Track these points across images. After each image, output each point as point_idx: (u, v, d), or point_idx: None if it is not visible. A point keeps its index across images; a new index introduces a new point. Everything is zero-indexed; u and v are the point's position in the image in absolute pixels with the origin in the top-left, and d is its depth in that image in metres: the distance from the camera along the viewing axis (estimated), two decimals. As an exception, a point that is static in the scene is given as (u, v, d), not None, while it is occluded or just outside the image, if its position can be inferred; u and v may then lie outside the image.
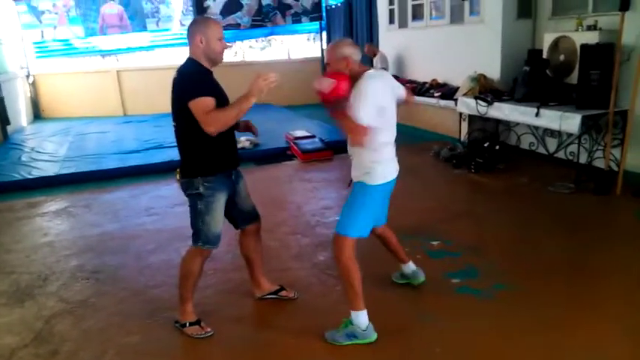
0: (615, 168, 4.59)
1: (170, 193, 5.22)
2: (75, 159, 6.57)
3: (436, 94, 6.82)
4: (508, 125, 5.91)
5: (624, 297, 2.89)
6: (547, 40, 5.29)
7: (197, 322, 2.72)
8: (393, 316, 2.77)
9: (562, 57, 5.11)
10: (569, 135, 4.91)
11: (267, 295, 3.02)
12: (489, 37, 6.08)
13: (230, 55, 12.81)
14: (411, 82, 7.86)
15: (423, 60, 7.81)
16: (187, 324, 2.70)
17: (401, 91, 2.70)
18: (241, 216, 2.84)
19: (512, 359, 2.39)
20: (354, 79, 2.42)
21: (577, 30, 4.97)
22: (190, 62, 2.50)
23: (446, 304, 2.88)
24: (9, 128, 8.33)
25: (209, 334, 2.68)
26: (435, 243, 3.66)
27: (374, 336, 2.54)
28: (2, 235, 4.32)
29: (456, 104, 6.12)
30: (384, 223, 2.93)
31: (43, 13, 10.44)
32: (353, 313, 2.53)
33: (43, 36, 10.97)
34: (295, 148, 6.43)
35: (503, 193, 4.76)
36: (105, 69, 11.06)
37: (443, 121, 6.88)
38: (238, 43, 11.55)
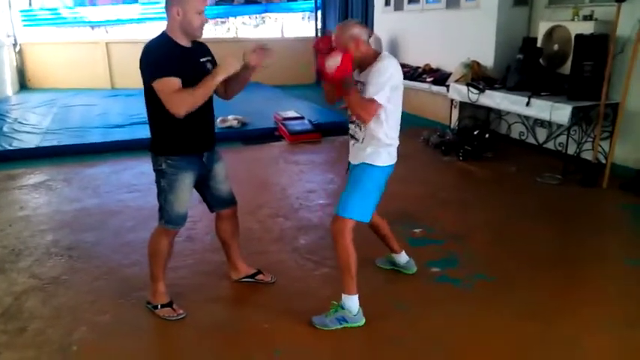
0: (603, 160, 4.55)
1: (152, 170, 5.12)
2: (58, 131, 6.43)
3: (428, 80, 6.74)
4: (499, 114, 5.85)
5: (605, 289, 2.89)
6: (542, 28, 5.21)
7: (169, 304, 2.66)
8: (370, 303, 2.72)
9: (556, 46, 5.04)
10: (559, 126, 4.86)
11: (244, 278, 2.97)
12: (485, 23, 5.98)
13: (223, 32, 12.58)
14: (404, 66, 7.75)
15: (417, 44, 7.70)
16: (159, 306, 2.64)
17: None
18: (215, 200, 2.75)
19: (486, 350, 2.36)
20: (365, 59, 2.40)
21: (573, 19, 4.89)
22: (161, 37, 2.34)
23: (424, 293, 2.85)
24: (-7, 98, 8.14)
25: (181, 316, 2.62)
26: (417, 230, 3.62)
27: (363, 320, 2.53)
28: (-22, 207, 4.22)
29: (447, 90, 6.04)
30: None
31: (30, -21, 10.16)
32: (345, 297, 2.52)
33: (30, 4, 10.68)
34: (283, 128, 6.33)
35: (490, 182, 4.72)
36: (94, 40, 10.81)
37: (434, 107, 6.81)
38: (231, 19, 11.32)
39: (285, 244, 3.47)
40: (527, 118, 5.39)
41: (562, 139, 4.90)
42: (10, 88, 9.65)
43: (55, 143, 5.87)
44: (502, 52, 5.82)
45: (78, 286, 2.96)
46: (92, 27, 11.01)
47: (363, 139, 2.52)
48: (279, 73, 10.53)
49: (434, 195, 4.36)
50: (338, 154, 5.85)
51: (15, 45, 10.20)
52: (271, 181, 4.83)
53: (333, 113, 7.48)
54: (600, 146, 4.60)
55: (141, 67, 2.31)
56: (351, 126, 2.60)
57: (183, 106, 2.23)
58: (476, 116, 5.93)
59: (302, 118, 6.65)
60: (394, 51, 8.34)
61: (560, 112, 4.45)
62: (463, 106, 5.89)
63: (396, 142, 2.58)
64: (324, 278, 3.03)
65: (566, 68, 4.82)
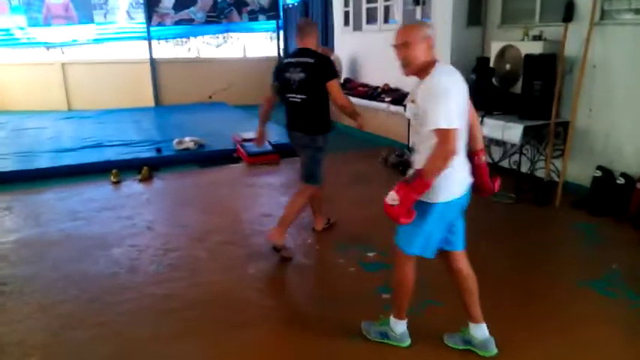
0: (556, 178, 4.60)
1: (101, 195, 4.93)
2: (5, 156, 6.15)
3: (387, 99, 6.74)
4: (456, 133, 5.88)
5: (557, 313, 2.84)
6: (494, 48, 5.28)
7: None
8: (322, 335, 2.62)
9: (508, 66, 5.10)
10: (513, 144, 4.89)
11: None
12: (439, 43, 5.98)
13: (184, 52, 12.45)
14: (364, 85, 7.78)
15: (376, 64, 7.73)
16: None
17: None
18: None
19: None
20: (426, 67, 2.12)
21: (523, 39, 4.97)
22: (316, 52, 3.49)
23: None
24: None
25: None
26: (371, 254, 3.54)
27: (407, 342, 2.50)
28: None
29: (404, 110, 6.04)
30: (461, 249, 2.43)
31: (-19, 0, 9.83)
32: (392, 319, 2.49)
33: (-18, 25, 10.32)
34: (242, 150, 6.21)
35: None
36: (49, 61, 10.52)
37: (393, 127, 6.81)
38: (192, 39, 11.22)
39: (232, 273, 3.33)
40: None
41: (516, 157, 4.93)
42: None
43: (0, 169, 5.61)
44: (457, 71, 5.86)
45: (5, 325, 2.75)
46: (47, 48, 10.70)
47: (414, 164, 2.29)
48: (241, 93, 10.48)
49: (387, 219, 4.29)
50: (296, 177, 5.75)
51: (-34, 66, 9.83)
52: (225, 205, 4.69)
53: (294, 133, 7.42)
54: (553, 164, 4.64)
55: (317, 69, 3.36)
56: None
57: (345, 99, 3.57)
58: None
59: (261, 139, 6.53)
60: (355, 71, 8.38)
61: (512, 132, 4.48)
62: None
63: (458, 171, 2.20)
64: (270, 309, 2.90)
65: (518, 87, 4.88)
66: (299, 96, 3.49)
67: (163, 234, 3.95)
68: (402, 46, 2.11)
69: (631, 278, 3.11)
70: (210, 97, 10.35)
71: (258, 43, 12.24)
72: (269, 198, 4.92)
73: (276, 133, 7.19)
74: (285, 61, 3.64)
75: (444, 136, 1.99)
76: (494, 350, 2.41)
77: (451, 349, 2.48)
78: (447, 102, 2.01)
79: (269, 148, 6.25)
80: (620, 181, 4.09)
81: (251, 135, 6.68)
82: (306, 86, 3.43)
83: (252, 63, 11.14)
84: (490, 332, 2.46)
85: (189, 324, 2.74)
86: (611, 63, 4.21)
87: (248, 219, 4.30)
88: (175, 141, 6.29)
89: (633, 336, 2.58)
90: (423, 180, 2.00)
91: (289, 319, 2.80)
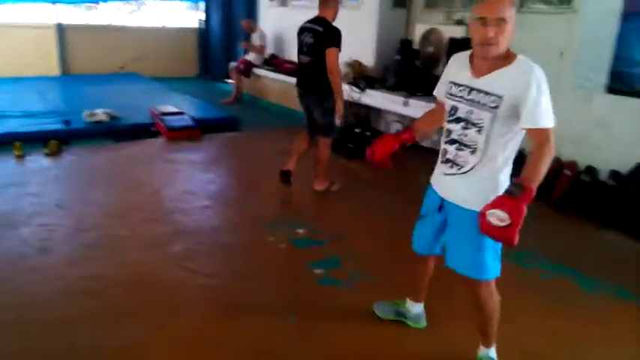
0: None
1: (4, 170, 4.46)
2: None
3: (312, 77, 6.70)
4: (379, 112, 5.99)
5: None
6: (418, 31, 5.41)
7: None
8: (252, 313, 2.57)
9: (431, 48, 5.25)
10: (435, 125, 5.07)
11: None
12: (366, 23, 6.08)
13: (94, 17, 11.53)
14: (289, 62, 7.67)
15: (301, 41, 7.64)
16: None
17: None
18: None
19: (364, 351, 2.31)
20: (505, 51, 1.79)
21: (446, 23, 5.13)
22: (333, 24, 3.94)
23: (307, 298, 2.75)
24: None
25: None
26: (301, 231, 3.52)
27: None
28: None
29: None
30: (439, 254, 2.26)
31: None
32: (486, 350, 2.19)
33: None
34: (161, 124, 5.90)
35: (372, 180, 4.79)
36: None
37: (318, 105, 6.80)
38: (102, 4, 10.39)
39: (158, 251, 3.16)
40: (404, 116, 5.57)
41: (437, 137, 5.13)
42: None
43: None
44: (382, 52, 5.96)
45: None
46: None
47: (473, 167, 1.90)
48: (156, 64, 9.94)
49: (317, 194, 4.30)
50: (219, 153, 5.60)
51: None
52: (144, 181, 4.43)
53: (216, 109, 7.19)
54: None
55: (323, 36, 3.83)
56: (449, 147, 1.96)
57: (336, 68, 3.88)
58: (358, 114, 6.01)
59: (182, 113, 6.25)
60: (281, 47, 8.24)
61: (435, 112, 4.64)
62: (347, 104, 5.92)
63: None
64: (200, 288, 2.79)
65: (440, 70, 5.04)
66: (307, 58, 3.99)
67: (76, 212, 3.65)
68: (501, 21, 1.72)
69: (545, 252, 3.34)
70: (122, 67, 9.70)
71: (177, 13, 11.62)
72: (190, 174, 4.73)
73: (198, 108, 6.94)
74: (302, 25, 4.08)
75: (549, 136, 1.75)
76: (424, 323, 2.50)
77: (382, 322, 2.53)
78: (549, 96, 1.78)
79: (190, 122, 5.99)
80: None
81: (170, 108, 6.39)
82: (313, 50, 3.90)
83: (168, 33, 10.56)
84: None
85: (112, 306, 2.57)
86: (527, 49, 4.45)
87: (170, 196, 4.09)
88: (86, 113, 5.83)
89: (546, 304, 2.79)
90: (533, 190, 1.69)
91: (221, 299, 2.71)
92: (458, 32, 4.83)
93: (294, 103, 7.32)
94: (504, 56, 1.79)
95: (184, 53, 10.51)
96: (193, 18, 10.69)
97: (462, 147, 1.90)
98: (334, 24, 3.96)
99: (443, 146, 2.00)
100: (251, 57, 7.99)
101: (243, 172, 5.05)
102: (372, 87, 5.45)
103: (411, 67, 5.22)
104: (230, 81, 8.65)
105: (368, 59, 6.02)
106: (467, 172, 1.90)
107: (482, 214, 1.69)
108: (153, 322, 2.46)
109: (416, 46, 5.37)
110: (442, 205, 2.04)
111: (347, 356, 2.31)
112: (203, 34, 10.43)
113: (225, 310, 2.61)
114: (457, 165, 1.93)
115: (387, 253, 3.31)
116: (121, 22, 11.01)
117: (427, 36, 5.31)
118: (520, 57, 1.80)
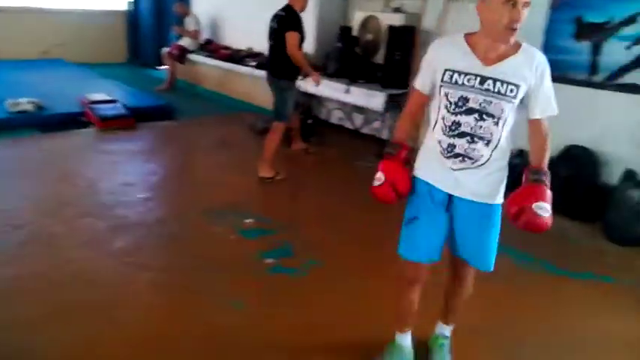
0: (411, 144, 4.96)
1: None
2: None
3: (252, 63, 6.60)
4: (320, 100, 6.01)
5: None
6: (357, 18, 5.45)
7: None
8: (202, 305, 2.52)
9: (370, 36, 5.32)
10: (374, 111, 5.16)
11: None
12: (305, 10, 6.02)
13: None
14: (226, 48, 7.50)
15: (239, 26, 7.49)
16: None
17: None
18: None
19: (318, 334, 2.34)
20: (511, 47, 1.72)
21: (384, 11, 5.20)
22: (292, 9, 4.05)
23: (258, 287, 2.74)
24: None
25: None
26: (248, 221, 3.48)
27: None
28: None
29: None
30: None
31: None
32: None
33: None
34: (92, 113, 5.59)
35: (315, 167, 4.81)
36: None
37: (259, 92, 6.69)
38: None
39: (98, 248, 3.01)
40: (344, 104, 5.63)
41: (377, 124, 5.23)
42: None
43: None
44: (322, 39, 5.95)
45: None
46: None
47: (488, 159, 1.79)
48: (84, 49, 9.38)
49: (263, 183, 4.27)
50: (157, 142, 5.40)
51: None
52: (78, 174, 4.20)
53: (150, 96, 6.90)
54: (410, 131, 5.00)
55: (283, 20, 4.00)
56: (457, 140, 1.78)
57: (296, 51, 4.01)
58: (299, 102, 5.98)
59: (114, 101, 5.95)
60: (215, 32, 8.03)
61: (376, 100, 4.72)
62: (287, 91, 5.89)
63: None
64: (147, 283, 2.70)
65: (380, 57, 5.12)
66: (271, 42, 4.15)
67: (6, 209, 3.40)
68: (528, 5, 1.64)
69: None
70: (45, 52, 9.06)
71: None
72: (128, 166, 4.53)
73: (131, 95, 6.64)
74: (274, 13, 4.20)
75: (548, 124, 1.80)
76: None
77: (335, 308, 2.56)
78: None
79: (123, 111, 5.72)
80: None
81: (101, 96, 6.06)
82: (276, 35, 4.06)
83: (95, 16, 9.95)
84: (361, 285, 2.61)
85: (54, 306, 2.42)
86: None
87: (107, 189, 3.90)
88: (9, 102, 5.41)
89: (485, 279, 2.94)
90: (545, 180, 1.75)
91: (170, 293, 2.64)
92: (396, 20, 4.91)
93: (232, 90, 7.23)
94: (513, 43, 1.72)
95: (112, 38, 9.98)
96: (121, 0, 10.15)
97: (476, 139, 1.75)
98: None
99: (448, 140, 1.78)
100: (185, 42, 7.72)
101: (183, 161, 4.91)
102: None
103: (352, 55, 5.26)
104: (163, 67, 8.33)
105: (308, 46, 5.99)
106: (482, 164, 1.78)
107: (527, 209, 1.65)
108: (99, 321, 2.35)
109: (355, 33, 5.42)
110: (450, 201, 1.87)
111: (299, 342, 2.32)
112: (132, 18, 9.94)
113: (174, 303, 2.55)
114: (470, 158, 1.78)
115: (337, 236, 3.36)
116: (42, 4, 10.26)
117: (366, 23, 5.36)
118: (524, 44, 1.74)
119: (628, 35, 3.69)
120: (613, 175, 3.77)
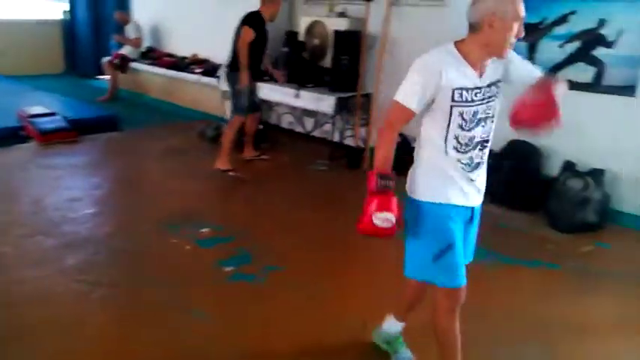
0: (362, 145, 5.07)
1: None
2: None
3: (197, 71, 6.52)
4: (270, 104, 6.01)
5: (377, 269, 3.12)
6: (303, 23, 5.49)
7: None
8: (160, 317, 2.48)
9: (316, 41, 5.37)
10: (324, 115, 5.22)
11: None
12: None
13: None
14: (170, 55, 7.37)
15: (183, 33, 7.37)
16: None
17: None
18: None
19: (282, 339, 2.36)
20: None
21: (329, 16, 5.27)
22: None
23: (218, 296, 2.72)
24: None
25: None
26: (204, 230, 3.44)
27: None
28: None
29: (218, 81, 5.93)
30: None
31: None
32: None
33: None
34: (31, 127, 5.34)
35: (268, 173, 4.81)
36: None
37: (206, 99, 6.62)
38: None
39: (49, 266, 2.89)
40: (294, 108, 5.66)
41: (327, 127, 5.29)
42: None
43: None
44: (269, 44, 5.94)
45: None
46: None
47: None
48: (17, 60, 8.94)
49: (216, 191, 4.24)
50: (102, 155, 5.24)
51: None
52: (21, 192, 4.00)
53: (92, 107, 6.67)
54: (361, 132, 5.11)
55: (242, 20, 4.35)
56: (475, 152, 1.79)
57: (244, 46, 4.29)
58: (257, 102, 5.96)
59: (53, 114, 5.71)
60: (158, 39, 7.87)
61: (326, 103, 4.78)
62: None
63: None
64: (102, 300, 2.63)
65: (327, 61, 5.19)
66: (234, 38, 4.43)
67: (-58, 231, 3.21)
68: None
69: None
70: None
71: (37, 4, 10.48)
72: (73, 180, 4.37)
73: (71, 107, 6.39)
74: None
75: None
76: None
77: (295, 312, 2.59)
78: None
79: (64, 124, 5.50)
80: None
81: (39, 109, 5.80)
82: (236, 31, 4.40)
83: (28, 26, 9.48)
84: (320, 288, 2.65)
85: (6, 330, 2.32)
86: (403, 38, 4.73)
87: (54, 205, 3.75)
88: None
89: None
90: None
91: (127, 308, 2.58)
92: (342, 25, 4.99)
93: (179, 98, 7.10)
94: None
95: (47, 48, 9.54)
96: (56, 9, 9.75)
97: (485, 143, 1.80)
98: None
99: (466, 155, 1.76)
100: (126, 50, 7.52)
101: (130, 173, 4.77)
102: (261, 79, 5.44)
103: (299, 60, 5.29)
104: (104, 77, 8.07)
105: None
106: (485, 163, 1.84)
107: None
108: (54, 341, 2.27)
109: (302, 37, 5.46)
110: (472, 214, 1.87)
111: (266, 348, 2.33)
112: (68, 27, 9.56)
113: (132, 318, 2.49)
114: (482, 162, 1.82)
115: (293, 240, 3.39)
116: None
117: (311, 28, 5.41)
118: None
119: (560, 35, 3.95)
120: (553, 167, 4.00)
